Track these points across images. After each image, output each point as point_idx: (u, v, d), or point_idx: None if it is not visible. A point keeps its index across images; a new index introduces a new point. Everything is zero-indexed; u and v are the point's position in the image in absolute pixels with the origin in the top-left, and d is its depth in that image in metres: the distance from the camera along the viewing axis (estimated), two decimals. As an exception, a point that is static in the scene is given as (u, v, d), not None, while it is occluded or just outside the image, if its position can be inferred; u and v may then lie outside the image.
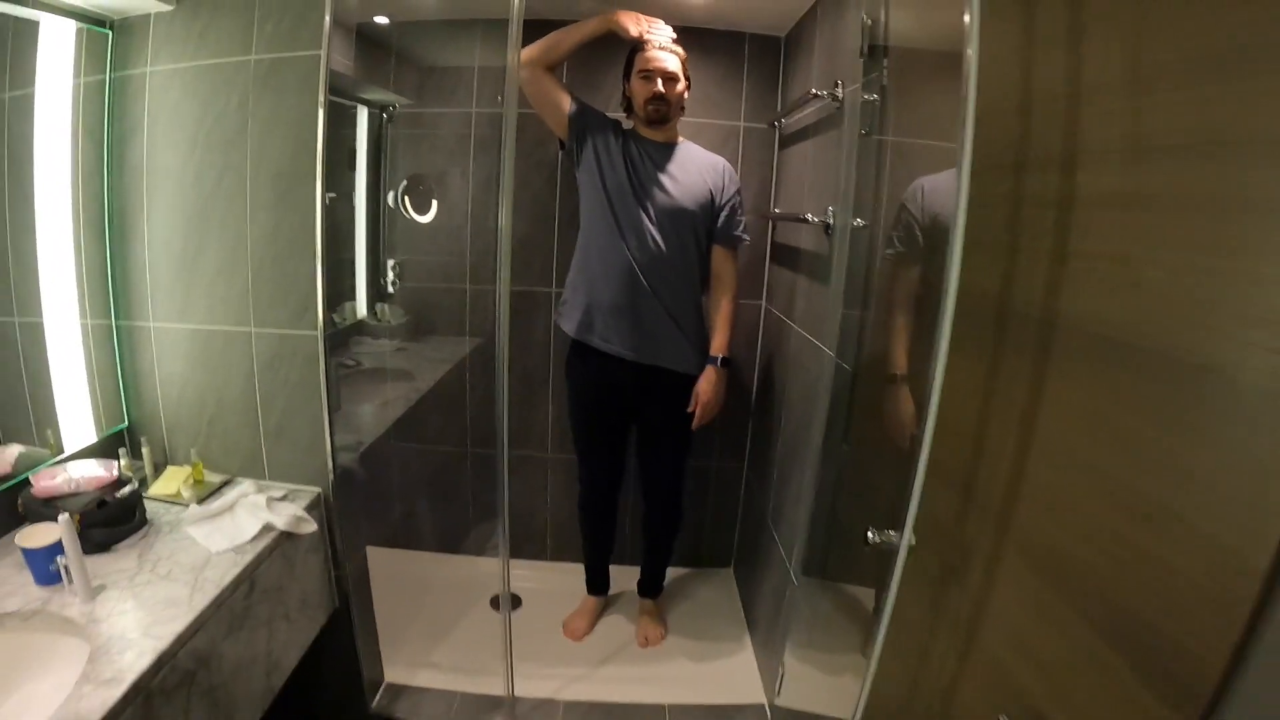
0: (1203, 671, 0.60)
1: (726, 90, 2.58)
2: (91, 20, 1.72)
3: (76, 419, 1.82)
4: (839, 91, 1.84)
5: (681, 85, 2.16)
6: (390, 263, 2.92)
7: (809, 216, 2.00)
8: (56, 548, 1.41)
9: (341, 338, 2.75)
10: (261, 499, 1.75)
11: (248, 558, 1.57)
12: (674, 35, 2.16)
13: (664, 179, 2.18)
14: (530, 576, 2.87)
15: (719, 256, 2.28)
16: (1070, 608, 0.78)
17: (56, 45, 1.66)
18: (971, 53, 0.93)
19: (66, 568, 1.39)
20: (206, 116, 1.74)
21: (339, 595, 1.97)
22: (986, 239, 0.99)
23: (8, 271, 1.65)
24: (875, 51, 1.68)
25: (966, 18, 0.94)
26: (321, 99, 1.66)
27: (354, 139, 2.69)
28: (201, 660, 1.38)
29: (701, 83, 2.51)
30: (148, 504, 1.75)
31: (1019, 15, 1.00)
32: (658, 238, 2.15)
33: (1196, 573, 0.63)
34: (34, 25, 1.61)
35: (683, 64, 2.15)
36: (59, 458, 1.74)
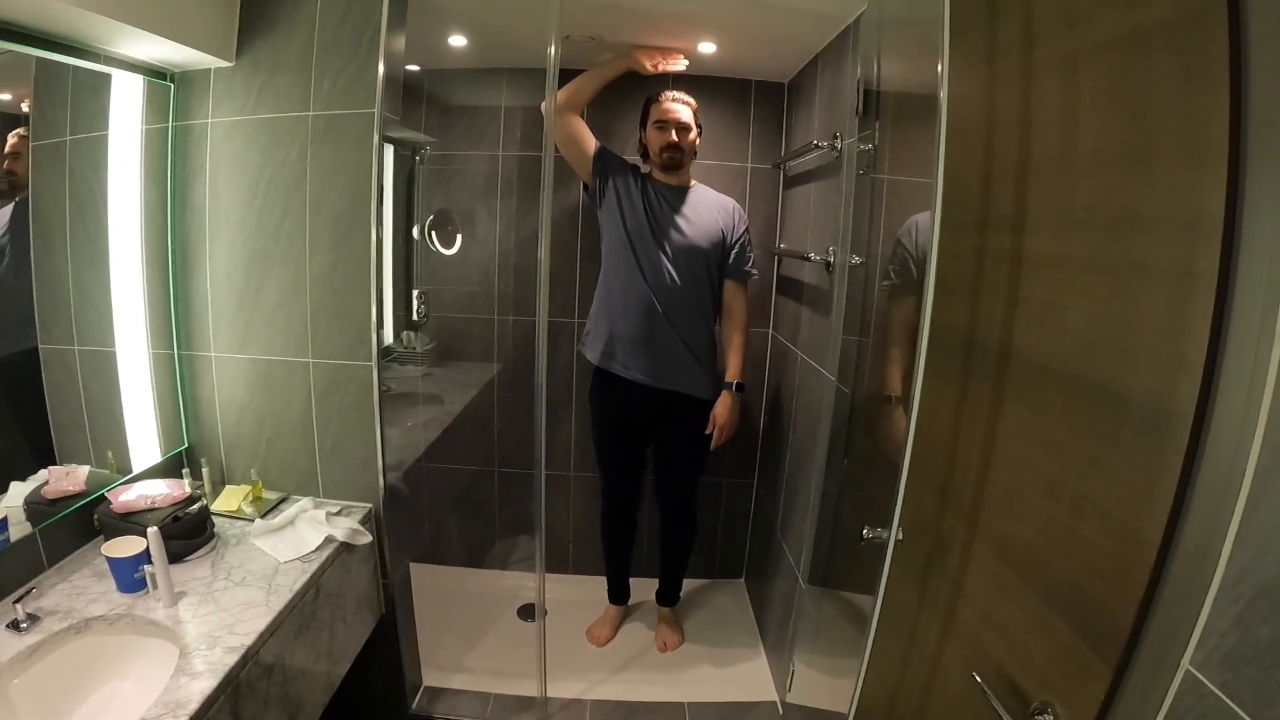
0: (1118, 621, 0.79)
1: (734, 134, 2.81)
2: (155, 74, 1.92)
3: (143, 441, 2.01)
4: (838, 143, 2.05)
5: (694, 134, 2.38)
6: (415, 292, 3.12)
7: (811, 255, 2.22)
8: (141, 558, 1.58)
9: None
10: (321, 513, 1.94)
11: (314, 566, 1.75)
12: (686, 64, 2.40)
13: (679, 220, 2.39)
14: (554, 588, 3.02)
15: (730, 290, 2.47)
16: (1021, 581, 0.97)
17: (125, 96, 1.86)
18: (941, 135, 1.14)
19: (152, 575, 1.56)
20: (268, 165, 1.94)
21: (386, 602, 2.15)
22: (956, 284, 1.19)
23: (84, 302, 1.84)
24: (870, 99, 1.88)
25: (939, 68, 1.14)
26: (375, 152, 1.88)
27: (382, 175, 2.90)
28: (278, 657, 1.56)
29: (710, 127, 2.74)
30: (213, 519, 1.92)
31: (982, 97, 1.21)
32: (674, 274, 2.36)
33: (1109, 546, 0.82)
34: (105, 78, 1.80)
35: (694, 113, 2.38)
36: (128, 477, 1.93)
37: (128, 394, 1.96)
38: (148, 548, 1.57)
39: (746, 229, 2.49)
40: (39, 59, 1.63)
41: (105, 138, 1.84)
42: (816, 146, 2.12)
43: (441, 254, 3.08)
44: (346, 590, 1.92)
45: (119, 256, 1.91)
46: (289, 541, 1.85)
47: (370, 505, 2.07)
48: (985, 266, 1.13)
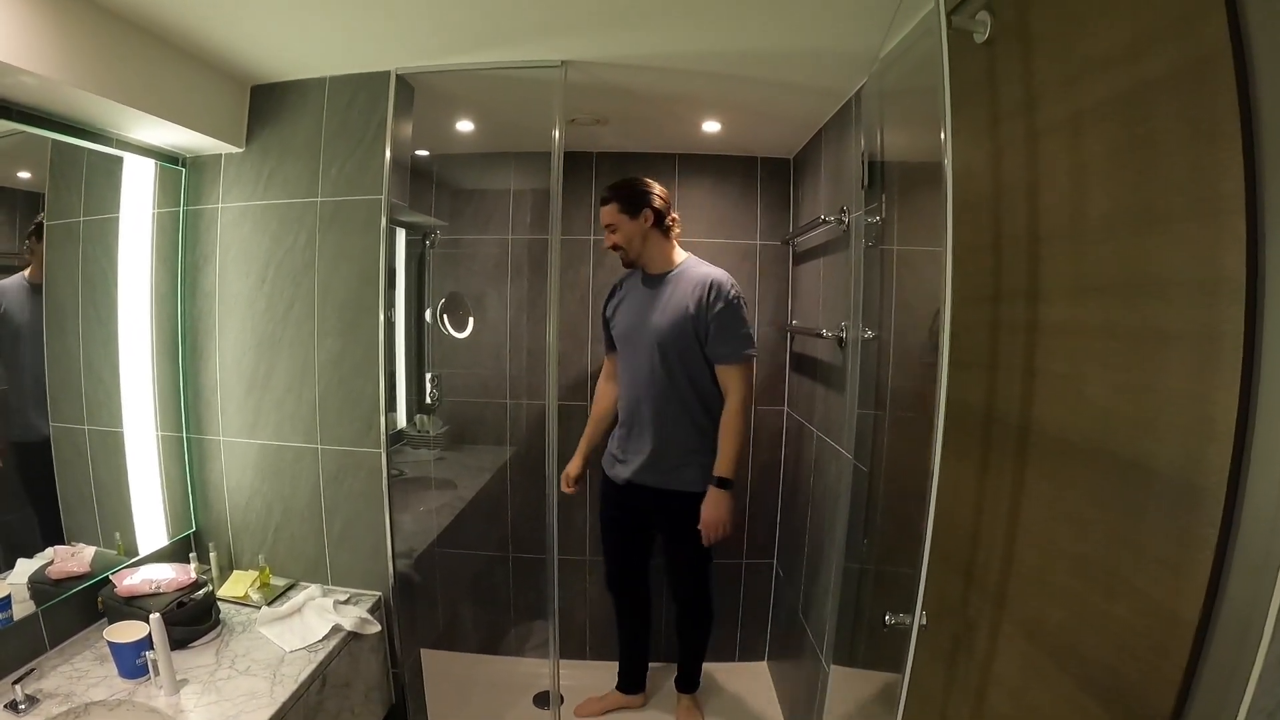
0: (1157, 705, 0.73)
1: (742, 210, 2.85)
2: (167, 158, 1.98)
3: (149, 523, 2.00)
4: (845, 217, 2.07)
5: (620, 233, 2.32)
6: (429, 376, 3.13)
7: (824, 331, 2.20)
8: (143, 643, 1.55)
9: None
10: (329, 601, 1.90)
11: (320, 655, 1.71)
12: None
13: (655, 309, 2.32)
14: (569, 675, 2.92)
15: (720, 373, 2.31)
16: (1053, 663, 0.91)
17: (137, 179, 1.92)
18: (948, 206, 1.14)
19: (153, 661, 1.53)
20: (276, 250, 1.98)
21: (396, 691, 2.08)
22: (971, 358, 1.17)
23: (94, 382, 1.86)
24: (875, 171, 1.89)
25: (942, 136, 1.15)
26: (382, 238, 1.91)
27: (394, 259, 2.93)
28: (281, 751, 1.50)
29: (718, 205, 2.78)
30: (219, 605, 1.89)
31: (988, 164, 1.21)
32: (658, 367, 2.29)
33: (1143, 626, 0.77)
34: (118, 161, 1.86)
35: (615, 209, 2.31)
36: (134, 559, 1.91)
37: (135, 475, 1.97)
38: (150, 633, 1.54)
39: (728, 303, 2.25)
40: (54, 141, 1.69)
41: (117, 220, 1.89)
42: (824, 221, 2.14)
43: (454, 338, 3.10)
44: (355, 680, 1.86)
45: (128, 338, 1.94)
46: (295, 630, 1.80)
47: (379, 593, 2.02)
48: (1000, 339, 1.11)
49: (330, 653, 1.74)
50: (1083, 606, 0.87)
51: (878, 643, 1.74)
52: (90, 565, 1.80)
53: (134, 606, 1.71)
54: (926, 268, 1.67)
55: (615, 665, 2.82)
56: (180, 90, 1.77)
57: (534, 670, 2.98)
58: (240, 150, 1.99)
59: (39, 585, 1.68)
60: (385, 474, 1.97)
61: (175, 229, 2.03)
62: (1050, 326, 0.99)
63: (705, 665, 2.78)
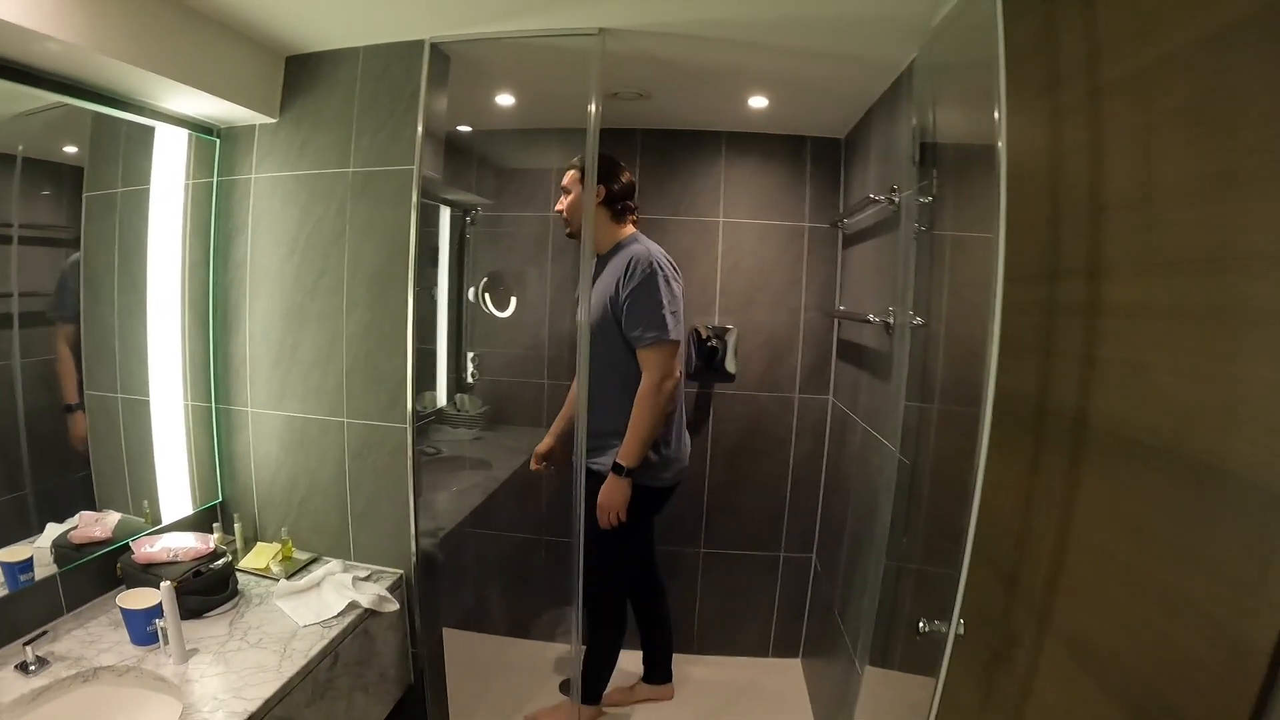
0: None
1: (790, 192, 2.73)
2: (202, 129, 1.97)
3: (175, 492, 2.00)
4: (895, 196, 1.94)
5: (566, 200, 2.26)
6: (470, 355, 3.10)
7: (871, 316, 2.08)
8: (155, 611, 1.54)
9: (422, 426, 2.92)
10: (348, 578, 1.87)
11: (334, 632, 1.67)
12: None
13: (593, 289, 2.23)
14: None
15: (638, 356, 2.18)
16: (1099, 688, 0.81)
17: (171, 149, 1.91)
18: (1001, 186, 1.03)
19: (164, 630, 1.52)
20: (307, 221, 1.95)
21: (414, 672, 2.05)
22: (1023, 342, 1.05)
23: (128, 351, 1.87)
24: (926, 152, 1.78)
25: (997, 105, 1.04)
26: (414, 210, 1.85)
27: (437, 236, 2.90)
28: (285, 726, 1.47)
29: (765, 185, 2.67)
30: (238, 576, 1.88)
31: (1045, 130, 1.09)
32: (595, 349, 2.16)
33: (1206, 653, 0.66)
34: (152, 132, 1.86)
35: (574, 179, 2.23)
36: (157, 527, 1.91)
37: (160, 444, 1.97)
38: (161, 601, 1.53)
39: (643, 279, 2.12)
40: (95, 114, 1.69)
41: (151, 190, 1.89)
42: (873, 201, 2.02)
43: (496, 317, 3.07)
44: (370, 658, 1.83)
45: (156, 307, 1.93)
46: (312, 605, 1.78)
47: (401, 572, 1.99)
48: (1056, 322, 0.99)
49: (344, 630, 1.70)
50: (1137, 626, 0.76)
51: (915, 646, 1.64)
52: (113, 531, 1.80)
53: (150, 574, 1.71)
54: (980, 252, 1.55)
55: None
56: (213, 60, 1.74)
57: (563, 656, 2.93)
58: (274, 121, 1.96)
59: (62, 550, 1.69)
60: (410, 451, 1.92)
61: (209, 200, 2.02)
62: (1113, 307, 0.87)
63: (740, 659, 2.69)
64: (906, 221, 1.88)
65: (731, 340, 2.77)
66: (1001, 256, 1.00)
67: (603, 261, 2.28)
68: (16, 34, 1.31)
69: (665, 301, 2.13)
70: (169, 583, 1.53)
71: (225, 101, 1.79)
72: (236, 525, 2.05)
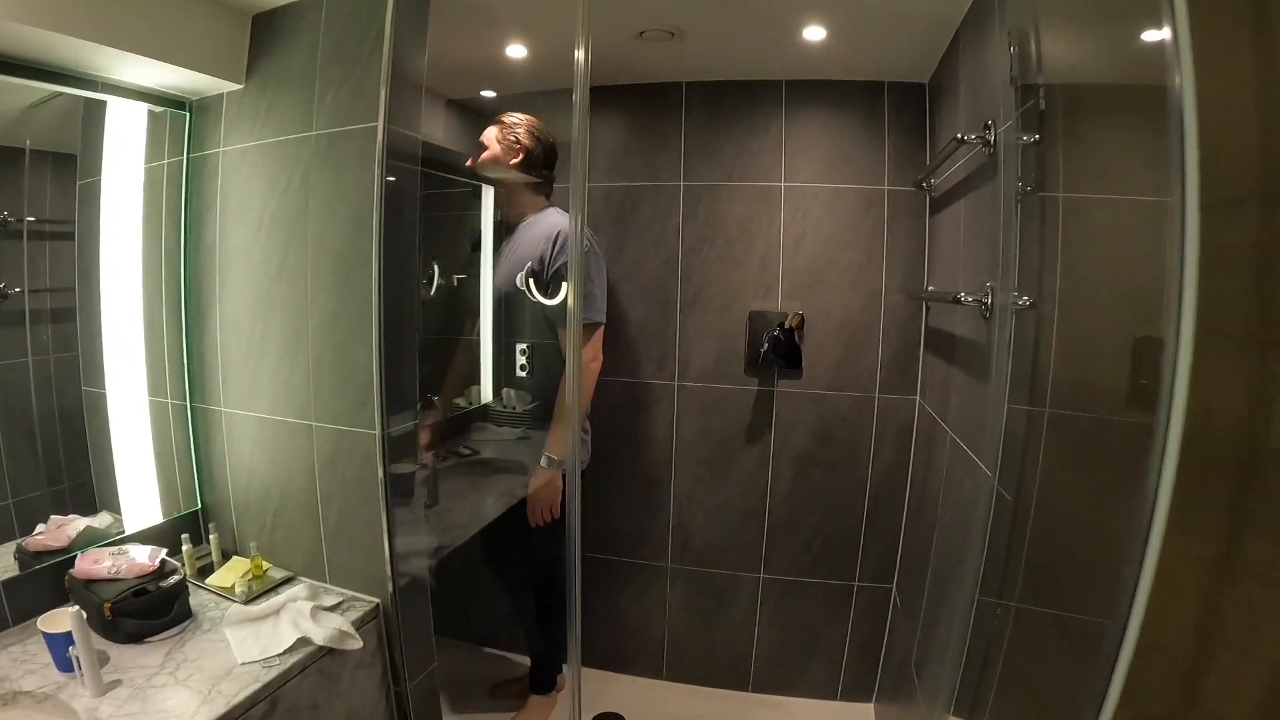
0: None
1: (866, 150, 2.26)
2: (172, 103, 1.77)
3: (140, 498, 1.80)
4: (989, 134, 1.48)
5: (481, 156, 2.15)
6: (520, 346, 2.81)
7: (962, 296, 1.61)
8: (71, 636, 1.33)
9: (463, 423, 2.65)
10: (307, 606, 1.59)
11: (273, 673, 1.40)
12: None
13: (499, 262, 2.20)
14: (638, 697, 2.54)
15: (561, 335, 2.13)
16: None
17: (128, 126, 1.73)
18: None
19: (77, 659, 1.31)
20: (272, 195, 1.68)
21: (398, 715, 1.75)
22: (1227, 328, 0.61)
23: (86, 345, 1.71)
24: (1029, 90, 1.34)
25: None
26: (378, 172, 1.54)
27: (479, 220, 2.67)
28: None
29: (835, 142, 2.23)
30: (203, 595, 1.68)
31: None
32: (504, 324, 2.21)
33: None
34: (138, 112, 1.72)
35: (491, 136, 2.14)
36: (117, 537, 1.72)
37: (120, 444, 1.77)
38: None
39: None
40: (85, 100, 1.63)
41: (103, 171, 1.72)
42: (963, 142, 1.55)
43: (542, 304, 2.76)
44: (330, 702, 1.55)
45: (112, 296, 1.75)
46: (261, 637, 1.52)
47: (377, 600, 1.70)
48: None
49: (287, 670, 1.43)
50: None
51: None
52: (71, 540, 1.63)
53: (90, 591, 1.51)
54: (1106, 216, 1.14)
55: (692, 689, 2.55)
56: (171, 25, 1.53)
57: (600, 685, 2.59)
58: (240, 87, 1.72)
59: (22, 557, 1.56)
60: (381, 462, 1.61)
61: (180, 179, 1.81)
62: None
63: (804, 701, 2.46)
64: (1006, 164, 1.42)
65: (789, 325, 2.33)
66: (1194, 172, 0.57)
67: (515, 231, 2.23)
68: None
69: (595, 279, 2.12)
70: (77, 608, 1.34)
71: (186, 71, 1.58)
72: (213, 537, 1.83)
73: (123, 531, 1.74)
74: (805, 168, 2.26)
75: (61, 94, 1.56)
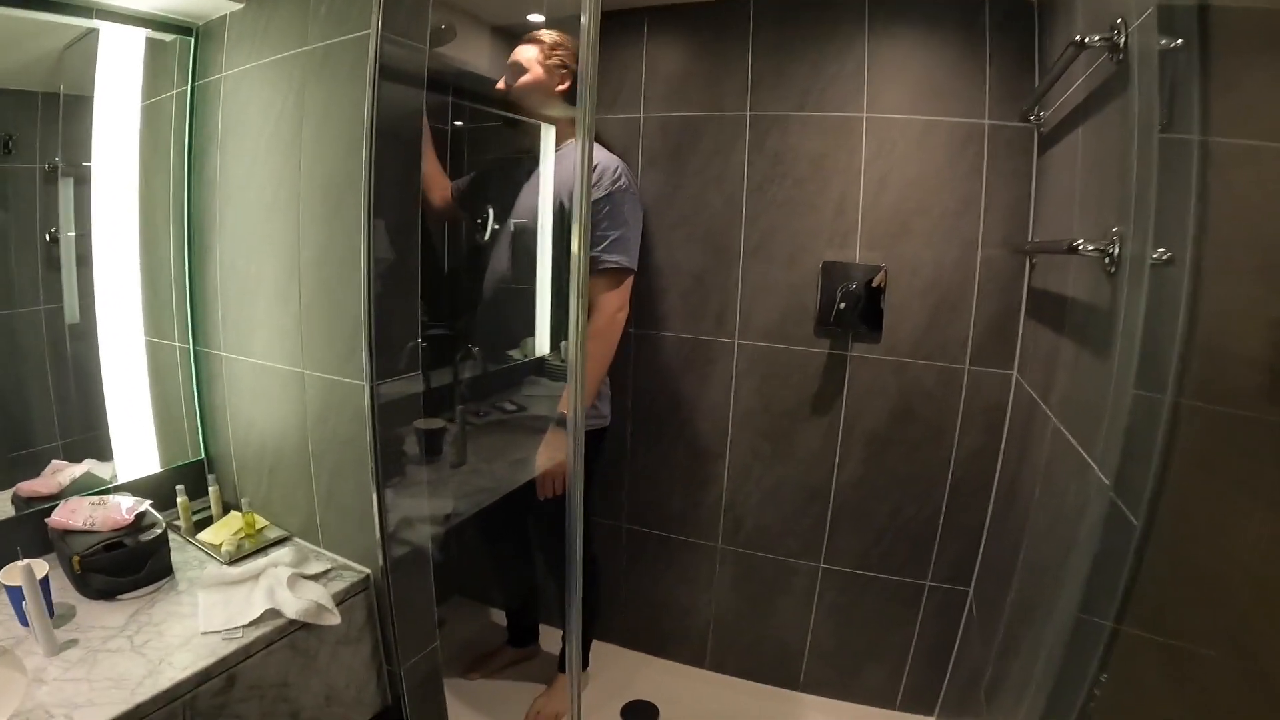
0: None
1: (963, 77, 1.88)
2: (179, 29, 1.64)
3: (135, 446, 1.71)
4: (1119, 37, 1.13)
5: (524, 78, 1.89)
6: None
7: (1079, 244, 1.25)
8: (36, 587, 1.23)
9: (516, 376, 2.47)
10: (285, 573, 1.44)
11: (232, 646, 1.27)
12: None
13: (528, 193, 2.04)
14: (675, 684, 2.33)
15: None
16: None
17: (126, 54, 1.62)
18: None
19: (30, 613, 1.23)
20: (267, 120, 1.51)
21: (390, 694, 1.60)
22: None
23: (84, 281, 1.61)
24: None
25: None
26: (369, 85, 1.32)
27: (539, 160, 2.44)
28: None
29: (927, 69, 1.88)
30: (191, 552, 1.57)
31: None
32: (515, 262, 2.10)
33: None
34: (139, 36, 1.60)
35: (534, 58, 1.89)
36: (108, 486, 1.63)
37: (113, 389, 1.66)
38: (45, 576, 1.26)
39: (611, 192, 1.86)
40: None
41: (95, 103, 1.60)
42: (1083, 45, 1.20)
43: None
44: (304, 680, 1.40)
45: (103, 228, 1.63)
46: (232, 604, 1.39)
47: (368, 571, 1.53)
48: None
49: (249, 644, 1.29)
50: None
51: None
52: (64, 487, 1.56)
53: (64, 542, 1.41)
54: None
55: (736, 682, 2.37)
56: None
57: (629, 672, 2.39)
58: (241, 6, 1.55)
59: (15, 502, 1.50)
60: (371, 417, 1.43)
61: (185, 110, 1.68)
62: None
63: (858, 707, 2.24)
64: (1143, 77, 1.07)
65: (878, 284, 2.01)
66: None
67: (542, 161, 2.05)
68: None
69: (630, 221, 1.92)
70: (27, 563, 1.23)
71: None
72: (212, 490, 1.71)
73: (116, 479, 1.65)
74: (891, 96, 1.91)
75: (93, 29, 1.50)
